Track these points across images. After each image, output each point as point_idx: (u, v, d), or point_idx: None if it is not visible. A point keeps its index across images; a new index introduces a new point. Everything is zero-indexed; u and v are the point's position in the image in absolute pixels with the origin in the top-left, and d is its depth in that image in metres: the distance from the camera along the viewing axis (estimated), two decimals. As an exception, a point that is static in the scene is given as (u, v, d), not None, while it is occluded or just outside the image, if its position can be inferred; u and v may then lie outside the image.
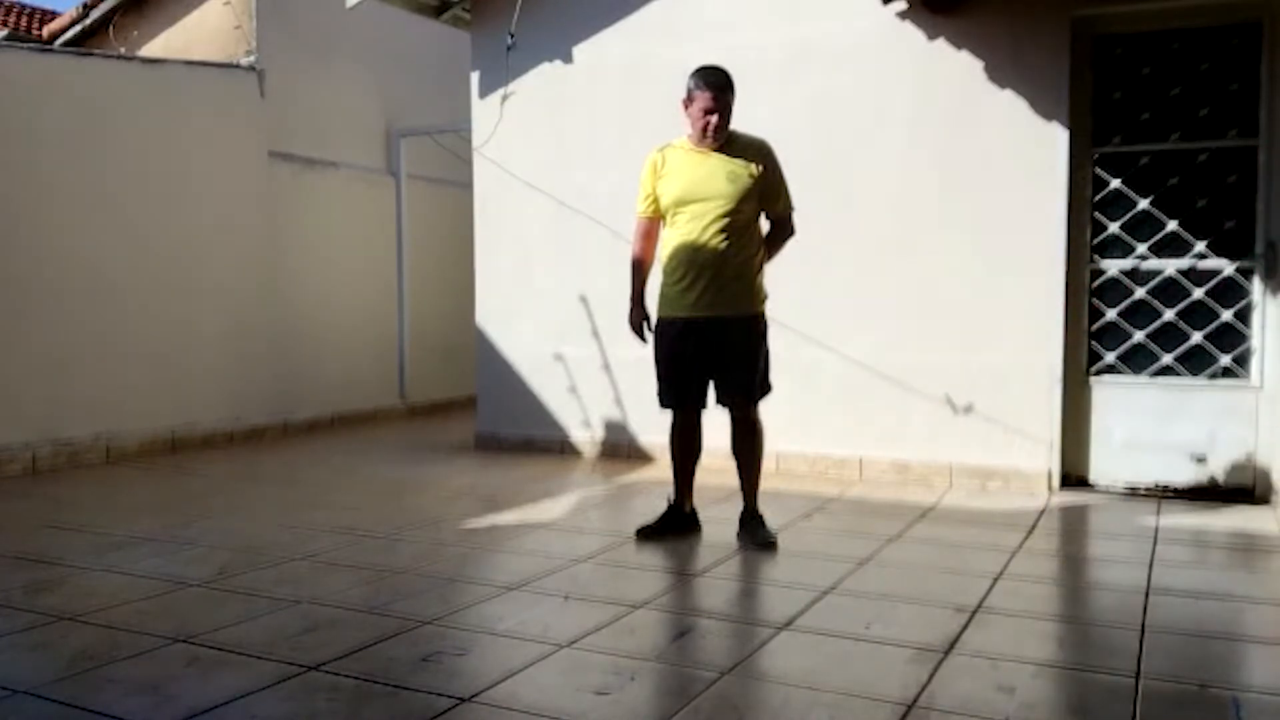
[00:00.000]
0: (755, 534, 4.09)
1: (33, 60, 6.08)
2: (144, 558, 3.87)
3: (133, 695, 2.55)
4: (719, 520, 4.35)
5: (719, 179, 3.96)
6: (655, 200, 4.10)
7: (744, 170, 3.97)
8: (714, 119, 3.93)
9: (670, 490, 4.29)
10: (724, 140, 4.01)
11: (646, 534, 4.18)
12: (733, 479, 4.21)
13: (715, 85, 3.93)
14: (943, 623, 3.09)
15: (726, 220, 3.94)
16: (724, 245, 3.94)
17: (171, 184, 6.69)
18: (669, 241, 4.08)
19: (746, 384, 4.05)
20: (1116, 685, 2.61)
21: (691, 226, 3.98)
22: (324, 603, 3.30)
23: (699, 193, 3.97)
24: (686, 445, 4.21)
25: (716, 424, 4.20)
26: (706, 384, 4.10)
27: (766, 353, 4.11)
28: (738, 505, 4.24)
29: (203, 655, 2.84)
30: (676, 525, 4.23)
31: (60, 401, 6.04)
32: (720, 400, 4.11)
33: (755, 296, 4.05)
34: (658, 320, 4.13)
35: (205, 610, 3.29)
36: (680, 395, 4.12)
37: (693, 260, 3.98)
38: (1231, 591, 3.50)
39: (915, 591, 3.43)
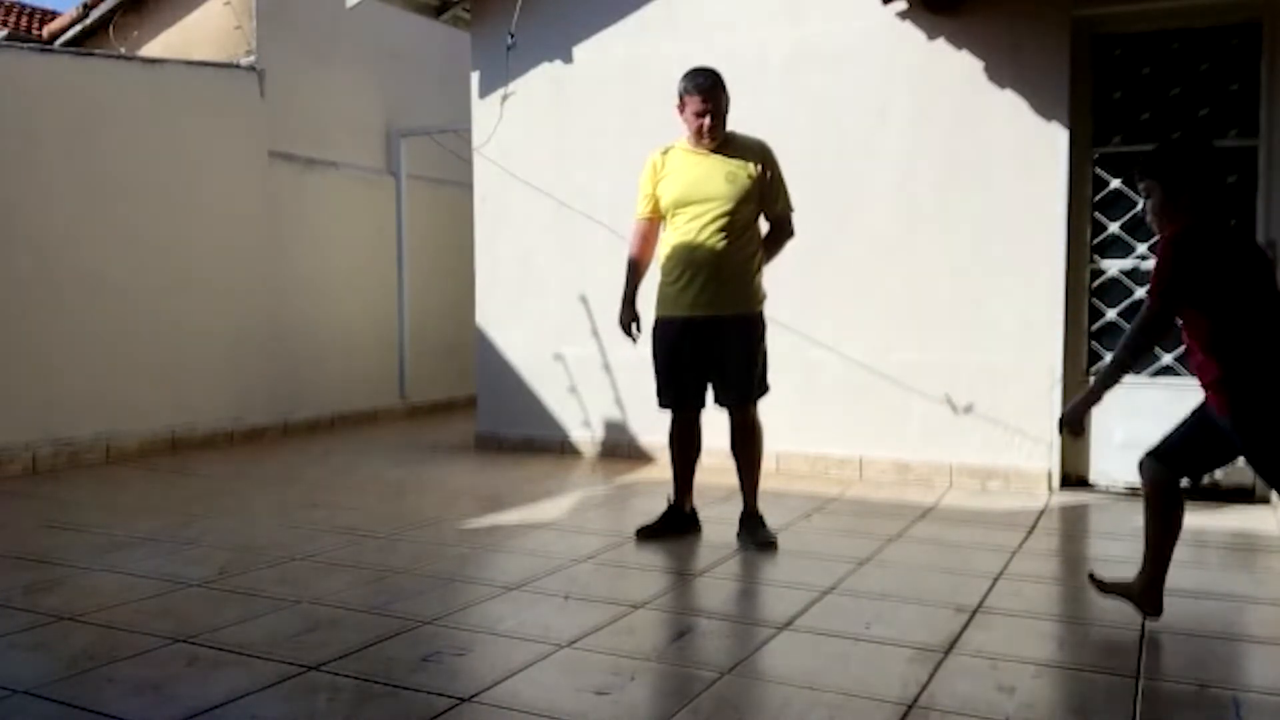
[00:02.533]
0: (755, 534, 4.09)
1: (33, 60, 6.07)
2: (144, 558, 3.87)
3: (133, 695, 2.55)
4: (719, 520, 4.35)
5: (717, 179, 3.97)
6: (654, 202, 4.12)
7: (742, 171, 3.98)
8: (707, 120, 3.95)
9: (670, 490, 4.29)
10: (722, 140, 4.02)
11: (646, 534, 4.18)
12: (733, 479, 4.21)
13: (703, 87, 3.96)
14: (943, 623, 3.09)
15: (725, 220, 3.95)
16: (722, 245, 3.95)
17: (172, 184, 6.69)
18: (667, 242, 4.09)
19: (744, 384, 4.05)
20: (1116, 685, 2.61)
21: (690, 227, 3.99)
22: (324, 603, 3.30)
23: (697, 193, 3.98)
24: (685, 445, 4.21)
25: (716, 424, 4.20)
26: (705, 384, 4.11)
27: (765, 353, 4.11)
28: (738, 505, 4.23)
29: (203, 655, 2.84)
30: (676, 525, 4.23)
31: (60, 401, 6.04)
32: (718, 400, 4.11)
33: (753, 296, 4.05)
34: (656, 320, 4.13)
35: (205, 610, 3.29)
36: (678, 395, 4.13)
37: (690, 260, 3.99)
38: (1231, 591, 3.50)
39: (915, 591, 3.43)
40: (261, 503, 5.12)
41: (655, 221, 4.15)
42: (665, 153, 4.14)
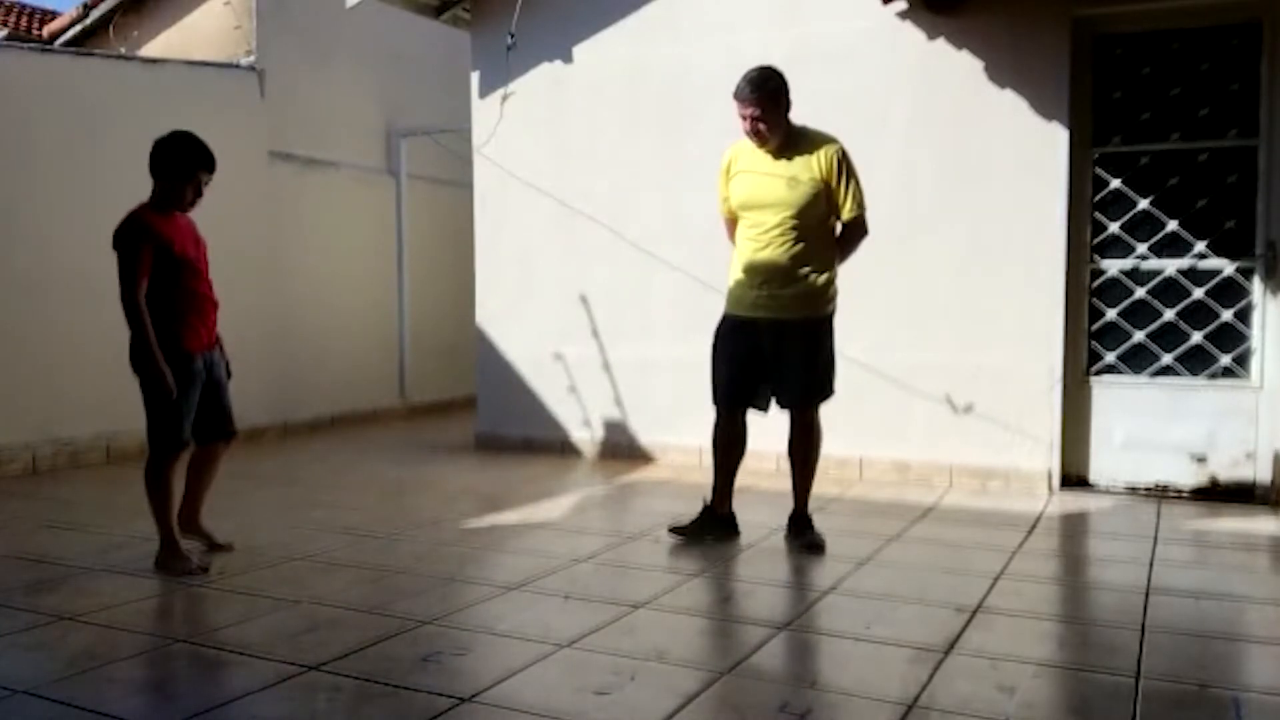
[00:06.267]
0: (803, 535, 4.05)
1: (33, 60, 6.07)
2: (144, 558, 3.86)
3: (133, 695, 2.55)
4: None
5: (779, 186, 3.89)
6: (729, 201, 4.08)
7: (806, 175, 3.89)
8: (748, 125, 3.89)
9: (708, 491, 4.20)
10: (786, 140, 3.93)
11: (679, 533, 4.11)
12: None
13: (744, 93, 3.87)
14: (943, 623, 3.09)
15: (788, 226, 3.88)
16: (784, 251, 3.88)
17: (171, 184, 6.68)
18: (738, 242, 4.05)
19: (804, 387, 4.00)
20: (1116, 685, 2.61)
21: (754, 232, 3.94)
22: (324, 603, 3.30)
23: (761, 198, 3.92)
24: (729, 446, 4.12)
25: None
26: (759, 387, 4.03)
27: (831, 355, 4.04)
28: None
29: (203, 655, 2.84)
30: (712, 527, 4.14)
31: (60, 401, 6.03)
32: (780, 403, 4.06)
33: (819, 300, 3.97)
34: (723, 316, 4.10)
35: (205, 610, 3.29)
36: (731, 395, 4.06)
37: (754, 264, 3.94)
38: (1231, 591, 3.50)
39: (915, 591, 3.43)
40: (261, 503, 5.11)
41: (737, 218, 4.08)
42: (736, 150, 4.05)
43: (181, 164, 3.76)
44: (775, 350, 3.96)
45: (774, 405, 4.10)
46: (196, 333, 3.76)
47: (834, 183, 3.91)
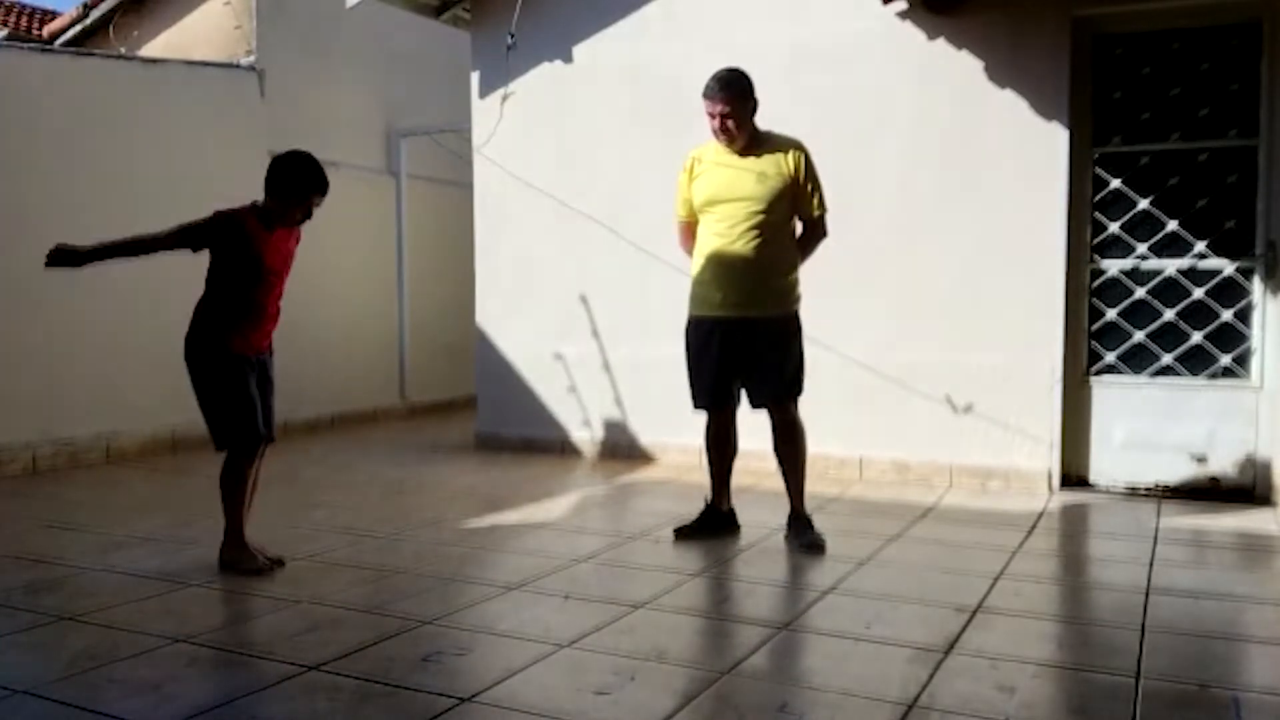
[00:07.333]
0: (802, 535, 4.05)
1: (33, 60, 6.07)
2: (144, 558, 3.87)
3: (133, 695, 2.55)
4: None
5: (748, 180, 3.93)
6: (690, 203, 4.10)
7: (774, 171, 3.94)
8: (717, 124, 3.92)
9: (708, 490, 4.27)
10: (752, 140, 3.98)
11: (684, 534, 4.16)
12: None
13: (713, 92, 3.91)
14: (943, 623, 3.09)
15: (757, 221, 3.91)
16: (753, 246, 3.92)
17: (171, 184, 6.68)
18: (700, 241, 4.07)
19: (776, 384, 4.02)
20: (1116, 685, 2.61)
21: (721, 227, 3.96)
22: (324, 603, 3.30)
23: (729, 193, 3.95)
24: (721, 445, 4.18)
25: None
26: (735, 383, 4.08)
27: (800, 352, 4.06)
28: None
29: (203, 655, 2.84)
30: (714, 525, 4.21)
31: (60, 401, 6.03)
32: (753, 403, 4.09)
33: (785, 297, 4.01)
34: (688, 318, 4.12)
35: (205, 610, 3.29)
36: (710, 395, 4.10)
37: (721, 261, 3.97)
38: (1231, 591, 3.50)
39: (915, 591, 3.43)
40: (261, 503, 5.09)
41: (694, 223, 4.12)
42: (700, 152, 4.11)
43: (297, 186, 3.74)
44: (746, 349, 3.99)
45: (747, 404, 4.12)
46: (246, 339, 3.79)
47: (800, 181, 3.96)
